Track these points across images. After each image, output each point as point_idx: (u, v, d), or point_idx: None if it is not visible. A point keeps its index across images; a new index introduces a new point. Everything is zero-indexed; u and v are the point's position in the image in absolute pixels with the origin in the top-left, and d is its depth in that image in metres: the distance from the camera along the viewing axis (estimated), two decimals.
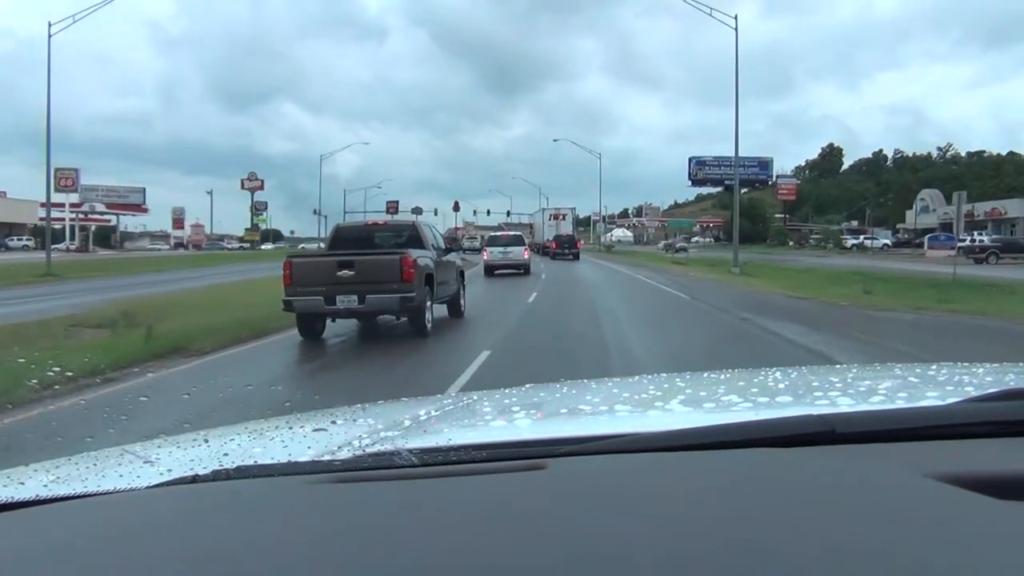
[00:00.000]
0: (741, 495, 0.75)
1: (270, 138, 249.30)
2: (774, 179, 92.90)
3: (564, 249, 46.93)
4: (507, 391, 1.56)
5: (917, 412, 1.05)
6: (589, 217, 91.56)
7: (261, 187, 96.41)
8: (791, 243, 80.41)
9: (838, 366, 2.41)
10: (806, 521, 0.67)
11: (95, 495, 0.92)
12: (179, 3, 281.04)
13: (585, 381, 1.69)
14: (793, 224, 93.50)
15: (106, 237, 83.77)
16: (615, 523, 0.68)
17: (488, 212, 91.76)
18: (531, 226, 68.36)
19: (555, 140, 72.51)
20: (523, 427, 1.28)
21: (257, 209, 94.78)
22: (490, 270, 28.23)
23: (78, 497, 0.91)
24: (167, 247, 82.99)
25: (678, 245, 69.12)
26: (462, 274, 13.31)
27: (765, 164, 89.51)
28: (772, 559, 0.60)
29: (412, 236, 11.65)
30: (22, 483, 1.00)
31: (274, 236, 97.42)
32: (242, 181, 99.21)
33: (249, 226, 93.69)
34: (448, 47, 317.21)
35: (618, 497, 0.77)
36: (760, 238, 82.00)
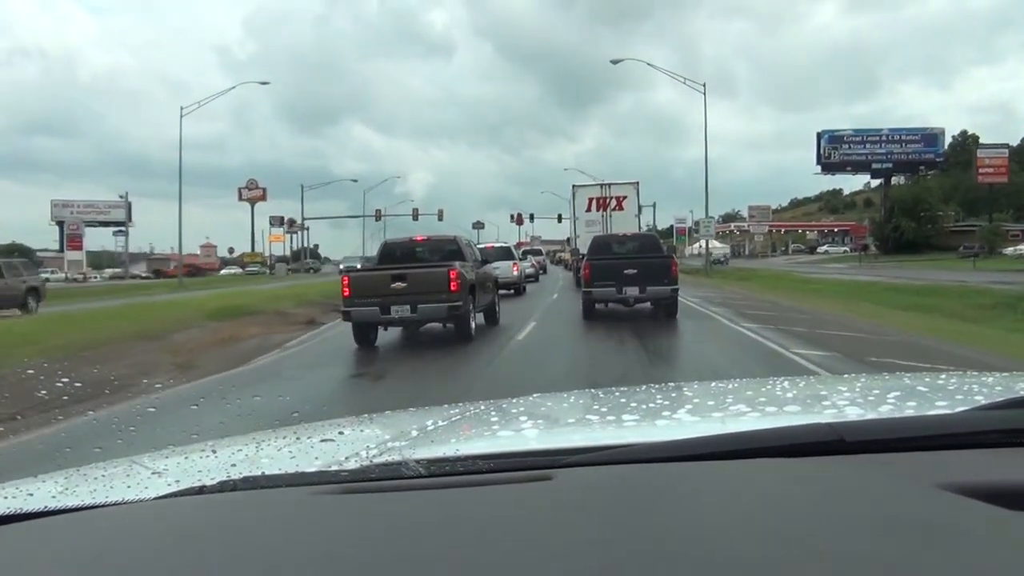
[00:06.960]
0: (749, 505, 0.76)
1: (343, 159, 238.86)
2: (944, 158, 65.96)
3: (620, 283, 12.80)
4: (514, 400, 1.60)
5: (927, 420, 1.06)
6: (671, 227, 67.14)
7: (263, 197, 76.69)
8: (1010, 251, 49.52)
9: (846, 375, 2.22)
10: (815, 532, 0.68)
11: (103, 506, 0.95)
12: (247, 29, 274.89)
13: (592, 391, 1.72)
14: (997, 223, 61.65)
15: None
16: (622, 533, 0.69)
17: (532, 217, 73.73)
18: (567, 239, 43.11)
19: (614, 62, 41.12)
20: (530, 437, 1.30)
21: (277, 224, 74.53)
22: None
23: (86, 508, 0.93)
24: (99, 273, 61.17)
25: None
26: (497, 284, 14.99)
27: (932, 138, 65.82)
28: (781, 571, 0.60)
29: (452, 250, 12.98)
30: (31, 494, 1.02)
31: (306, 256, 77.53)
32: (239, 191, 78.59)
33: (277, 244, 73.56)
34: (517, 61, 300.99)
35: (625, 507, 0.77)
36: (928, 244, 55.67)
